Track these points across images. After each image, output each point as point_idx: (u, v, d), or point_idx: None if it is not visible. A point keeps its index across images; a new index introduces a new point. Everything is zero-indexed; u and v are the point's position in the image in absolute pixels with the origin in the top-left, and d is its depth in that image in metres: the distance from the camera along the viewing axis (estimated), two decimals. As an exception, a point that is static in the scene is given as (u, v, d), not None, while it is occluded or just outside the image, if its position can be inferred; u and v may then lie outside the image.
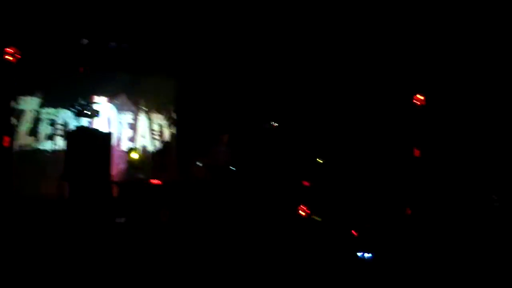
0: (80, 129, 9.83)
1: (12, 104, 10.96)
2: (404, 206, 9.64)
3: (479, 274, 5.66)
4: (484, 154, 10.68)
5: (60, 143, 10.92)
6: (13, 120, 11.05)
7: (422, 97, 11.53)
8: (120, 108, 12.51)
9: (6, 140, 10.32)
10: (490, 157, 10.60)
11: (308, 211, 9.98)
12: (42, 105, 11.54)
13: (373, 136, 11.83)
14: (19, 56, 10.38)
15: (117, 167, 11.16)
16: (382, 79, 11.87)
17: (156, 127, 12.92)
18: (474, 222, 8.51)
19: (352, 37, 11.88)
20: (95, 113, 10.31)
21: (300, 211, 9.82)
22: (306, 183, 10.85)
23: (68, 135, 10.21)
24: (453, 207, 9.67)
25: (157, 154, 11.03)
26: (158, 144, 12.48)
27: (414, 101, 11.55)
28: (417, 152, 11.34)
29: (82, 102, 10.81)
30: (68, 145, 9.83)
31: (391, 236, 7.92)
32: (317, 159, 11.63)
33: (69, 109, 11.06)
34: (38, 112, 11.47)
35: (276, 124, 12.00)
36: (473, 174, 10.52)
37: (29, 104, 11.42)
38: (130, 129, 12.62)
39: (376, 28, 11.64)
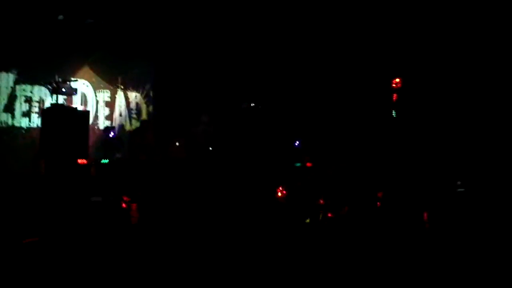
0: (56, 106, 9.67)
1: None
2: (377, 191, 9.70)
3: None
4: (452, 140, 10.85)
5: (36, 121, 10.81)
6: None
7: (398, 80, 11.64)
8: (96, 86, 12.39)
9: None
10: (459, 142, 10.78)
11: (285, 192, 10.00)
12: (18, 82, 11.35)
13: (353, 116, 11.92)
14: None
15: (94, 145, 11.09)
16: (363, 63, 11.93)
17: (133, 106, 12.85)
18: (442, 208, 8.61)
19: (336, 19, 11.90)
20: (71, 91, 10.16)
21: (278, 193, 9.84)
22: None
23: (43, 112, 10.06)
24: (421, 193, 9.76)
25: (134, 133, 10.92)
26: (135, 123, 12.42)
27: (392, 85, 11.63)
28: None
29: (59, 79, 10.67)
30: (43, 122, 9.69)
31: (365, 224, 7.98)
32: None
33: (45, 86, 10.95)
34: (13, 89, 11.28)
35: (253, 104, 11.97)
36: (441, 158, 10.68)
37: (4, 80, 11.22)
38: (107, 107, 12.53)
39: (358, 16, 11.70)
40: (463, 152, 10.61)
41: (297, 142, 11.63)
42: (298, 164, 11.18)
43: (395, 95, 11.80)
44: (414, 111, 11.68)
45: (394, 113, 11.53)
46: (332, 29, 12.04)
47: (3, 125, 11.13)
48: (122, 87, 12.77)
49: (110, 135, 9.97)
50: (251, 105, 11.87)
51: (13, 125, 11.22)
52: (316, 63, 12.34)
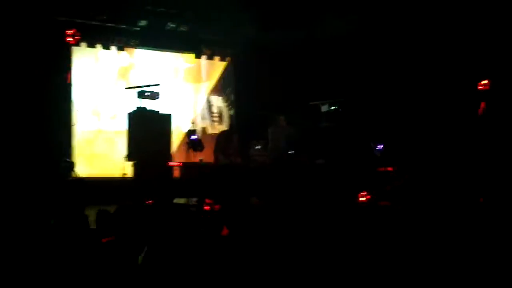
0: (140, 109, 9.88)
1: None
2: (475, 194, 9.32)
3: None
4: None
5: (122, 124, 11.16)
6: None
7: (486, 82, 11.24)
8: (180, 90, 12.64)
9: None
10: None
11: (369, 197, 9.80)
12: (105, 87, 11.73)
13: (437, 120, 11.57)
14: (78, 38, 10.57)
15: (177, 148, 11.31)
16: (447, 65, 11.56)
17: (215, 109, 13.02)
18: None
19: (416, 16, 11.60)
20: (155, 95, 10.34)
21: (360, 198, 9.65)
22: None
23: (129, 115, 10.30)
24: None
25: (219, 136, 10.99)
26: (218, 126, 12.57)
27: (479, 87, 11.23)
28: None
29: (143, 84, 10.95)
30: (129, 125, 9.92)
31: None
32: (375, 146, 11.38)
33: (130, 90, 11.22)
34: (101, 94, 11.67)
35: (334, 107, 11.81)
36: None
37: (92, 85, 11.62)
38: (190, 111, 12.75)
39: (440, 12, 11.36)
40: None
41: (380, 146, 11.36)
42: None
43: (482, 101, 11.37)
44: (503, 115, 11.20)
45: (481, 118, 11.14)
46: (417, 28, 11.72)
47: (91, 128, 11.51)
48: (205, 90, 12.97)
49: (192, 138, 10.05)
50: (332, 108, 11.70)
51: (100, 129, 11.60)
52: (400, 64, 12.05)
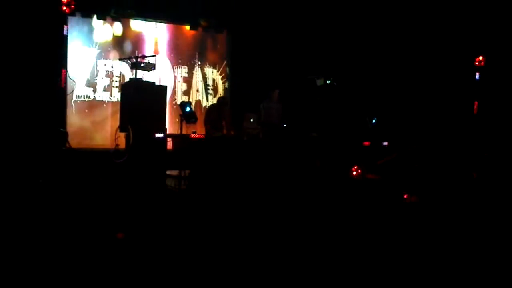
0: (134, 80, 9.86)
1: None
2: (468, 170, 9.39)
3: None
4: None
5: (116, 95, 11.25)
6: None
7: (481, 58, 11.25)
8: (175, 62, 12.63)
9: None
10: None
11: (360, 172, 9.86)
12: (99, 57, 11.72)
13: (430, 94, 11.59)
14: (73, 7, 10.49)
15: (171, 120, 11.35)
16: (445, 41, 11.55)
17: (210, 82, 13.03)
18: None
19: None
20: (150, 66, 10.32)
21: (353, 172, 9.71)
22: (366, 143, 10.64)
23: (122, 86, 10.31)
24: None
25: (210, 109, 11.03)
26: (212, 99, 12.60)
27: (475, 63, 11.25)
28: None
29: (138, 54, 10.95)
30: (123, 96, 9.92)
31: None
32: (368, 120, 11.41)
33: (125, 61, 11.22)
34: (95, 64, 11.66)
35: (329, 81, 11.80)
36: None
37: (87, 56, 11.60)
38: (184, 83, 12.75)
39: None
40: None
41: (374, 120, 11.39)
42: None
43: (477, 73, 11.41)
44: (498, 91, 11.23)
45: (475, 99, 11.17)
46: (414, 3, 11.68)
47: (86, 99, 11.54)
48: (199, 63, 12.95)
49: (187, 110, 10.06)
50: (327, 82, 11.69)
51: (94, 99, 11.63)
52: (396, 38, 12.02)
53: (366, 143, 10.36)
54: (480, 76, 11.53)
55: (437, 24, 11.69)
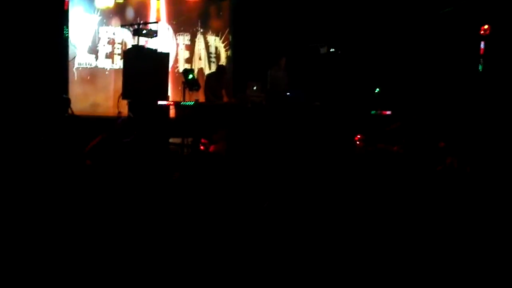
0: (136, 48, 9.78)
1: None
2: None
3: None
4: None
5: (118, 62, 11.17)
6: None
7: (487, 27, 11.13)
8: (177, 29, 12.52)
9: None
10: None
11: (363, 141, 9.84)
12: (101, 24, 11.61)
13: (435, 65, 11.49)
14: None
15: (173, 88, 11.28)
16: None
17: (212, 50, 12.93)
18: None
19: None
20: (152, 33, 10.23)
21: (356, 141, 9.69)
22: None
23: (124, 53, 10.24)
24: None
25: (209, 77, 10.96)
26: (214, 67, 12.50)
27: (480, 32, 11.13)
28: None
29: (140, 21, 10.84)
30: (125, 64, 9.85)
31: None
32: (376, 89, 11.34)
33: (126, 28, 11.13)
34: (96, 31, 11.55)
35: (333, 50, 11.71)
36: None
37: (88, 22, 11.49)
38: (186, 51, 12.65)
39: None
40: None
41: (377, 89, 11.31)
42: (373, 112, 10.91)
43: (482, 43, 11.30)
44: (504, 62, 11.12)
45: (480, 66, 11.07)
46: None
47: (87, 66, 11.47)
48: (202, 30, 12.84)
49: (189, 77, 10.01)
50: (331, 50, 11.60)
51: (96, 66, 11.56)
52: (400, 6, 11.88)
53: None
54: (485, 46, 11.42)
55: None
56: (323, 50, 11.60)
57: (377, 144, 9.51)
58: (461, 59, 11.49)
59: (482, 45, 11.40)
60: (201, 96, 10.50)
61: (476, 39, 11.27)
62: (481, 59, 11.22)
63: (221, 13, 13.13)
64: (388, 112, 10.80)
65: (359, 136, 9.89)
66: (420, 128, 9.79)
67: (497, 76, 11.14)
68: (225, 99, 10.52)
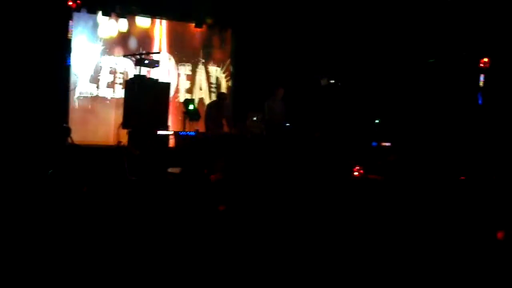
0: (138, 77, 9.87)
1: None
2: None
3: None
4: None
5: (119, 92, 11.24)
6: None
7: (486, 60, 11.19)
8: (179, 60, 12.63)
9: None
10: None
11: (362, 172, 9.84)
12: (103, 54, 11.72)
13: (435, 96, 11.55)
14: (79, 2, 10.49)
15: (174, 117, 11.34)
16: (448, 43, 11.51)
17: (213, 80, 13.02)
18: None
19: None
20: (154, 63, 10.34)
21: (355, 172, 9.69)
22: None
23: (126, 83, 10.32)
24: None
25: (210, 106, 11.02)
26: (215, 97, 12.57)
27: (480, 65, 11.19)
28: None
29: (142, 51, 10.96)
30: (126, 93, 9.93)
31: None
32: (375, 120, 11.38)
33: (129, 58, 11.25)
34: (99, 60, 11.66)
35: (333, 81, 11.79)
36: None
37: (91, 52, 11.60)
38: (187, 81, 12.75)
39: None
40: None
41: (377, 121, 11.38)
42: (374, 144, 10.95)
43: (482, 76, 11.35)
44: (502, 93, 11.18)
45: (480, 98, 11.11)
46: (418, 3, 11.66)
47: (89, 95, 11.54)
48: (203, 61, 12.95)
49: (190, 108, 10.10)
50: (331, 81, 11.68)
51: (97, 95, 11.63)
52: (399, 39, 11.98)
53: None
54: (484, 78, 11.47)
55: (441, 25, 11.65)
56: (323, 82, 11.68)
57: (368, 175, 9.53)
58: (461, 93, 11.54)
59: (481, 78, 11.46)
60: (201, 126, 10.55)
61: (476, 72, 11.33)
62: (481, 92, 11.27)
63: (223, 44, 13.25)
64: (388, 144, 10.83)
65: (357, 167, 9.89)
66: (418, 161, 9.82)
67: (496, 109, 11.17)
68: (226, 128, 10.55)
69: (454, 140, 10.94)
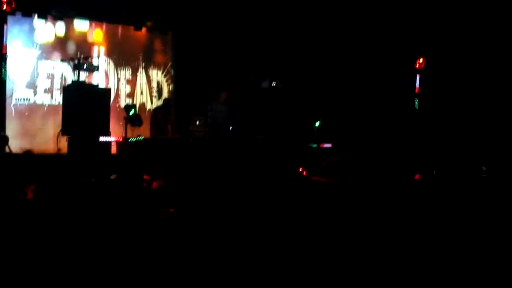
0: (77, 83, 9.67)
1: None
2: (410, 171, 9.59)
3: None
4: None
5: (58, 98, 10.96)
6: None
7: (422, 60, 11.53)
8: (118, 63, 12.43)
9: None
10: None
11: (306, 173, 9.96)
12: (40, 58, 11.43)
13: (373, 96, 11.81)
14: (14, 6, 10.18)
15: (115, 123, 11.16)
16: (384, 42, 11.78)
17: (154, 84, 12.88)
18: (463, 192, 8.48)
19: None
20: (93, 68, 10.17)
21: (299, 174, 9.80)
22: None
23: (64, 89, 10.09)
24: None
25: (156, 111, 10.93)
26: (156, 101, 12.45)
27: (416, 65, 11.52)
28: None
29: (80, 56, 10.71)
30: (64, 99, 9.72)
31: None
32: (314, 123, 11.53)
33: (67, 63, 11.01)
34: (35, 66, 11.36)
35: (274, 84, 11.89)
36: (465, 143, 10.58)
37: (27, 57, 11.28)
38: (128, 85, 12.58)
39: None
40: (489, 136, 10.46)
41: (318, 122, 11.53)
42: (314, 146, 11.10)
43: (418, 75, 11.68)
44: (438, 93, 11.54)
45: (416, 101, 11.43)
46: (355, 5, 11.90)
47: (26, 102, 11.22)
48: (143, 64, 12.81)
49: (131, 113, 9.98)
50: (272, 84, 11.78)
51: (35, 102, 11.32)
52: (338, 41, 12.20)
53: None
54: (420, 79, 11.80)
55: (379, 26, 11.92)
56: (264, 84, 11.77)
57: (312, 177, 9.67)
58: (398, 92, 11.83)
59: (417, 77, 11.78)
60: (143, 132, 10.44)
61: (411, 73, 11.63)
62: (417, 92, 11.59)
63: (163, 48, 13.13)
64: (328, 145, 11.01)
65: (300, 169, 10.01)
66: (359, 162, 10.01)
67: (432, 108, 11.52)
68: (170, 134, 10.50)
69: (394, 140, 11.22)
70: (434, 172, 9.68)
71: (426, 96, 11.64)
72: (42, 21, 11.38)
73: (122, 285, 4.44)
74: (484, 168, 9.50)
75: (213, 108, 10.91)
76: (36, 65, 11.35)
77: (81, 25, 11.96)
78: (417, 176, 9.65)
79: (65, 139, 9.38)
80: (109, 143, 9.53)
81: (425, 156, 10.47)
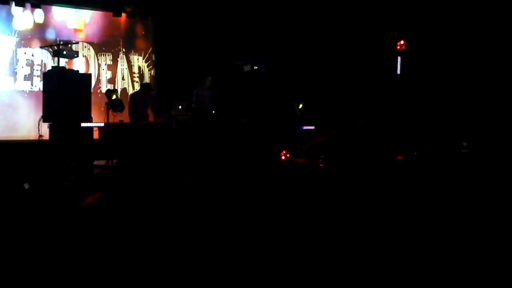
0: (57, 69, 9.56)
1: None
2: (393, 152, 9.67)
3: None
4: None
5: (38, 84, 10.88)
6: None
7: (403, 42, 11.54)
8: (98, 49, 12.34)
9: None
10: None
11: (289, 156, 10.01)
12: (19, 45, 11.31)
13: (355, 81, 11.84)
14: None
15: (96, 109, 11.09)
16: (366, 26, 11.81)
17: (135, 69, 12.82)
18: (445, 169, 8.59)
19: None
20: (73, 54, 10.05)
21: (282, 156, 9.85)
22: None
23: (44, 75, 9.98)
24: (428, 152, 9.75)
25: (134, 96, 10.86)
26: (138, 87, 12.39)
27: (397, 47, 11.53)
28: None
29: (60, 42, 10.61)
30: (45, 86, 9.61)
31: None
32: (296, 105, 11.54)
33: (46, 49, 10.91)
34: (14, 53, 11.25)
35: (256, 67, 11.86)
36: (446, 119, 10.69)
37: (5, 44, 11.16)
38: (109, 71, 12.50)
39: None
40: (469, 114, 10.56)
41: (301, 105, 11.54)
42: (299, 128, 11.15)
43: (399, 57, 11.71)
44: (419, 73, 11.60)
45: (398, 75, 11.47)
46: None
47: (6, 89, 11.13)
48: (124, 50, 12.73)
49: (112, 98, 9.88)
50: (254, 68, 11.75)
51: (15, 89, 11.23)
52: (320, 24, 12.19)
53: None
54: (401, 60, 11.83)
55: (360, 8, 11.93)
56: (246, 68, 11.74)
57: (294, 159, 9.73)
58: (380, 74, 11.87)
59: (399, 60, 11.81)
60: (125, 117, 10.38)
61: (393, 54, 11.66)
62: (399, 73, 11.64)
63: (144, 33, 13.06)
64: (311, 127, 11.04)
65: (284, 152, 10.04)
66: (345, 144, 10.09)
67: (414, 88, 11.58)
68: (151, 118, 10.45)
69: (376, 121, 11.28)
70: (415, 153, 9.78)
71: (408, 78, 11.68)
72: (20, 8, 11.27)
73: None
74: (465, 144, 9.61)
75: (198, 93, 10.86)
76: (15, 52, 11.26)
77: (60, 11, 11.85)
78: (399, 157, 9.75)
79: (46, 126, 9.27)
80: (91, 128, 9.45)
81: (407, 137, 10.57)
